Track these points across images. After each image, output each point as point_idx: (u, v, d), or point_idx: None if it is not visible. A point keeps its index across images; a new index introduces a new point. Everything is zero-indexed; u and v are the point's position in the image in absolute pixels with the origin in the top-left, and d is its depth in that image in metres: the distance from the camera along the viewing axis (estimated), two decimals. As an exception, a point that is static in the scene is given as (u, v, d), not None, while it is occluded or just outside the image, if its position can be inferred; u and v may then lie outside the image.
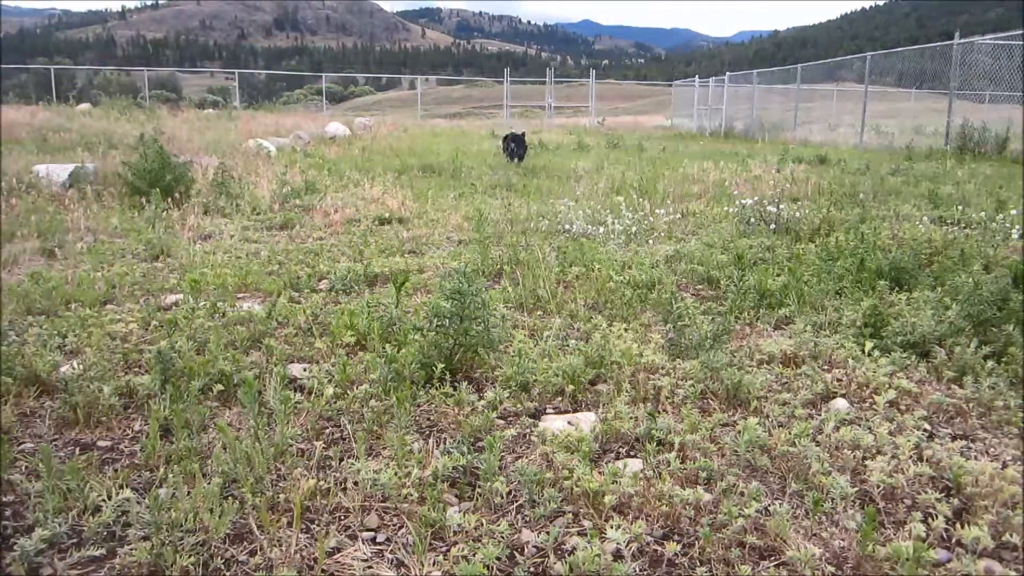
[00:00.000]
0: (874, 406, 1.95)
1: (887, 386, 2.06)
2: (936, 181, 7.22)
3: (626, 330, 2.59)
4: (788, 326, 2.72)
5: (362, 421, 1.90)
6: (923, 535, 1.35)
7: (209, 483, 1.42)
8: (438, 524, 1.42)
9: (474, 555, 1.32)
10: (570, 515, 1.47)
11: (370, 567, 1.33)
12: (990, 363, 2.19)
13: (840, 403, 2.01)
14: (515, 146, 9.39)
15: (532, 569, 1.32)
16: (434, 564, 1.33)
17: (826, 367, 2.26)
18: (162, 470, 1.61)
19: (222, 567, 1.32)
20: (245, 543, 1.39)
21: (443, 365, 2.10)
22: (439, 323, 2.23)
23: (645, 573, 1.32)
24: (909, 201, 5.78)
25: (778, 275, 3.25)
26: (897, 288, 3.04)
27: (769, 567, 1.33)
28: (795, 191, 6.35)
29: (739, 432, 1.74)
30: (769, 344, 2.40)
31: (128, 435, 1.86)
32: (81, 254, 3.94)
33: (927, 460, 1.67)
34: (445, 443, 1.77)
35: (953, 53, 12.79)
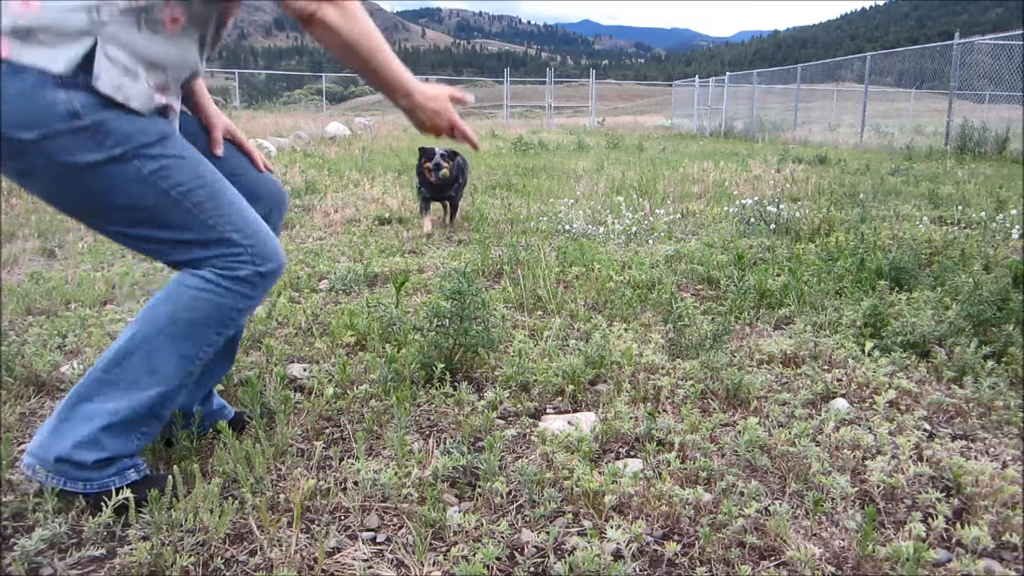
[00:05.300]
0: (874, 406, 1.95)
1: (887, 386, 2.05)
2: (936, 181, 7.22)
3: (626, 330, 2.59)
4: (788, 326, 2.72)
5: (362, 421, 1.90)
6: (923, 535, 1.35)
7: (209, 483, 1.42)
8: (438, 524, 1.42)
9: (474, 555, 1.32)
10: (570, 515, 1.47)
11: (370, 567, 1.33)
12: (990, 363, 2.19)
13: (840, 403, 2.01)
14: (437, 175, 4.73)
15: (532, 569, 1.32)
16: (434, 564, 1.33)
17: (826, 367, 2.26)
18: (162, 470, 1.61)
19: (222, 567, 1.32)
20: (245, 543, 1.39)
21: (443, 365, 2.10)
22: (439, 323, 2.23)
23: (645, 573, 1.32)
24: (909, 201, 5.78)
25: (778, 275, 3.25)
26: (897, 288, 3.04)
27: (769, 567, 1.33)
28: (795, 191, 6.35)
29: (739, 432, 1.74)
30: (769, 344, 2.40)
31: (128, 435, 1.86)
32: (81, 254, 3.95)
33: (927, 460, 1.67)
34: (445, 443, 1.77)
35: (953, 53, 12.79)
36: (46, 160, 1.28)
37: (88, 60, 1.26)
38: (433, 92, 1.50)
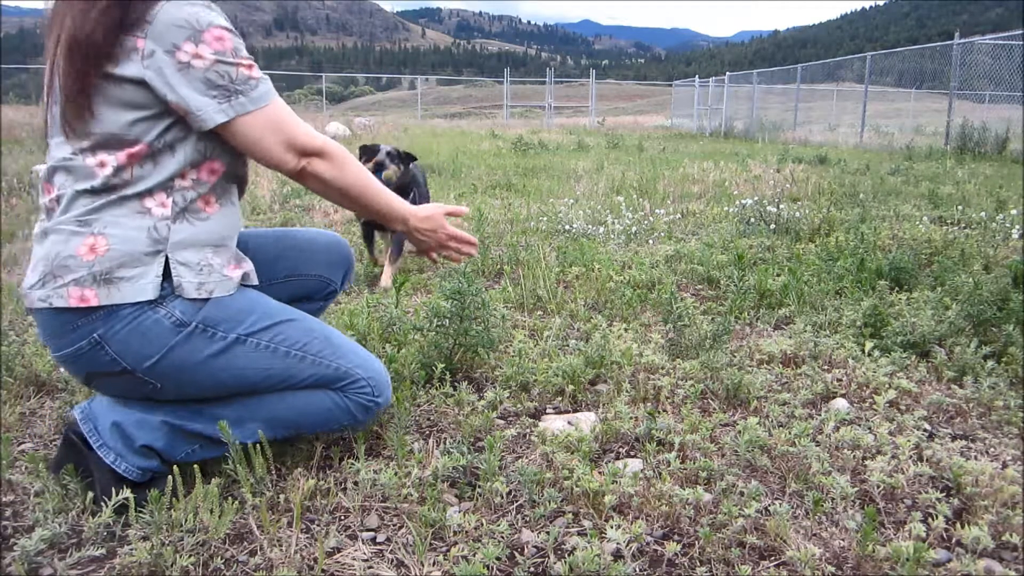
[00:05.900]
0: (874, 406, 1.95)
1: (887, 386, 2.05)
2: (936, 181, 7.22)
3: (626, 330, 2.59)
4: (788, 326, 2.72)
5: (362, 421, 1.90)
6: (923, 535, 1.35)
7: (209, 483, 1.42)
8: (438, 524, 1.42)
9: (474, 555, 1.32)
10: (570, 515, 1.47)
11: (370, 567, 1.33)
12: (990, 363, 2.19)
13: (840, 403, 2.01)
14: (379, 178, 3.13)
15: (532, 569, 1.32)
16: (434, 564, 1.33)
17: (826, 367, 2.26)
18: (162, 470, 1.61)
19: (222, 567, 1.32)
20: (245, 543, 1.39)
21: (443, 365, 2.10)
22: (439, 323, 2.23)
23: (645, 573, 1.32)
24: (909, 201, 5.78)
25: (778, 275, 3.25)
26: (897, 288, 3.04)
27: (769, 567, 1.33)
28: (795, 191, 6.35)
29: (739, 432, 1.74)
30: (769, 344, 2.40)
31: (128, 435, 1.86)
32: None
33: (927, 460, 1.67)
34: (445, 443, 1.77)
35: (953, 53, 12.80)
36: (173, 373, 1.38)
37: (168, 272, 1.34)
38: (426, 213, 1.62)
